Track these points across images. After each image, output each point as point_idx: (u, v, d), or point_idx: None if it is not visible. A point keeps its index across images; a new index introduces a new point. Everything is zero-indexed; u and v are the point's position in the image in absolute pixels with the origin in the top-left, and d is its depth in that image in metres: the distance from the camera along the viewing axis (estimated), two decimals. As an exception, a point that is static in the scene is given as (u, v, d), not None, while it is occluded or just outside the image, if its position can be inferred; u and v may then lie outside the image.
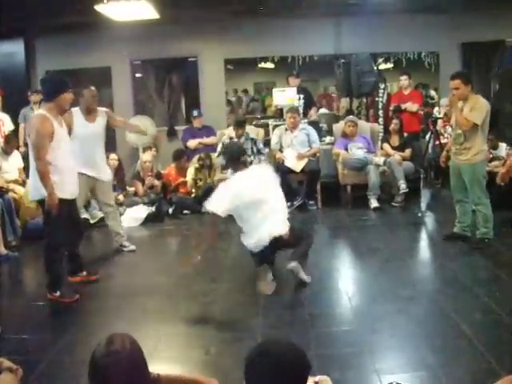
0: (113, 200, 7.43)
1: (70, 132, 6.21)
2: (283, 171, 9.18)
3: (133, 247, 7.35)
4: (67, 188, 5.61)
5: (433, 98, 13.61)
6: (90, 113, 6.78)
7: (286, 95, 10.43)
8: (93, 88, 6.84)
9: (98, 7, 8.65)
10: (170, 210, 9.20)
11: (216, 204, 5.57)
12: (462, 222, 7.07)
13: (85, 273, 6.22)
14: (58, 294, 5.60)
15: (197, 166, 9.70)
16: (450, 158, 7.02)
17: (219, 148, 9.65)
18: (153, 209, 8.95)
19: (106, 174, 7.08)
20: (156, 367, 2.50)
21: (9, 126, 9.55)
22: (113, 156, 9.18)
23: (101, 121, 6.89)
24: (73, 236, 5.99)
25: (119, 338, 2.29)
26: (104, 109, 7.03)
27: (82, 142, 6.59)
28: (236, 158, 6.05)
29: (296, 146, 9.44)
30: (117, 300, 5.68)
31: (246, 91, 19.19)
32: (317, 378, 2.77)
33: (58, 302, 5.56)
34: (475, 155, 6.62)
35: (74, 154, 5.85)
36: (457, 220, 7.12)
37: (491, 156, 8.98)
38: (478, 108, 6.50)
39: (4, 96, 9.72)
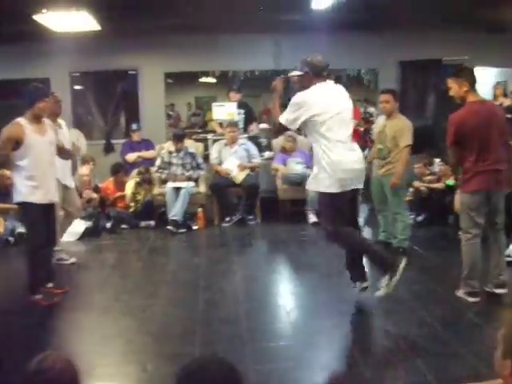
0: None
1: None
2: (223, 185, 9.20)
3: (73, 259, 7.25)
4: (39, 192, 5.71)
5: (372, 115, 13.80)
6: (54, 119, 6.74)
7: (225, 110, 10.43)
8: (56, 94, 6.93)
9: (37, 17, 8.50)
10: (108, 225, 9.05)
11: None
12: (386, 230, 7.45)
13: (51, 285, 6.04)
14: (38, 296, 5.70)
15: (137, 179, 9.61)
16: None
17: (158, 162, 9.57)
18: (90, 223, 8.79)
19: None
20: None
21: None
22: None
23: (51, 133, 6.84)
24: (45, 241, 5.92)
25: (52, 356, 2.23)
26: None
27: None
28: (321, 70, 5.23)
29: (235, 161, 9.44)
30: (51, 316, 5.55)
31: (189, 104, 19.18)
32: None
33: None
34: (395, 168, 6.99)
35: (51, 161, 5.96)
36: (381, 229, 7.52)
37: (427, 172, 9.18)
38: (406, 130, 6.95)
39: None
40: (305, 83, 5.22)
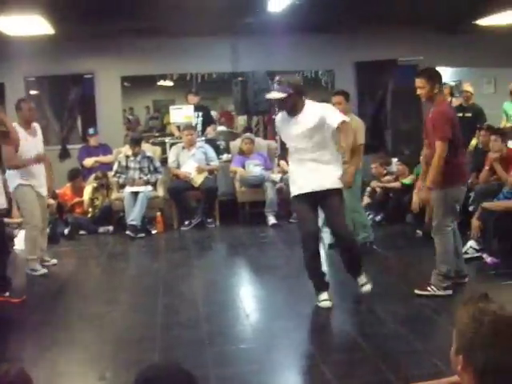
0: None
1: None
2: (181, 189, 9.17)
3: (44, 270, 7.02)
4: None
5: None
6: (29, 126, 6.74)
7: (182, 113, 10.39)
8: (29, 101, 7.04)
9: (-10, 21, 8.39)
10: (66, 231, 8.94)
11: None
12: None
13: (7, 293, 5.97)
14: None
15: (95, 184, 9.52)
16: None
17: (115, 167, 9.50)
18: (48, 230, 8.67)
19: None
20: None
21: None
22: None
23: (39, 133, 7.02)
24: None
25: (4, 367, 2.18)
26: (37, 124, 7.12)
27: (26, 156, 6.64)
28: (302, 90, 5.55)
29: (193, 163, 9.41)
30: (3, 325, 5.46)
31: (147, 107, 19.08)
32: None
33: None
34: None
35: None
36: None
37: (385, 172, 9.26)
38: (360, 129, 7.05)
39: None
40: (290, 104, 5.35)
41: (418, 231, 7.93)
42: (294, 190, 5.48)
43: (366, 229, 7.33)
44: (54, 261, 7.32)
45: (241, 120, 12.75)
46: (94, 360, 4.57)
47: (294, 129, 5.40)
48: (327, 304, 5.34)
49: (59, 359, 4.60)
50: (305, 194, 5.37)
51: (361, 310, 5.37)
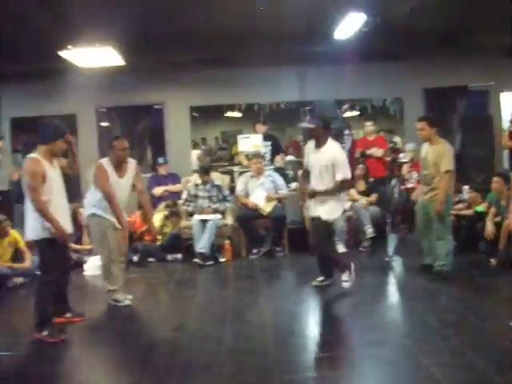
0: None
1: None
2: (250, 217, 9.15)
3: (128, 301, 6.89)
4: (63, 224, 5.70)
5: (397, 145, 13.71)
6: (119, 166, 6.73)
7: (251, 142, 10.42)
8: (123, 140, 6.83)
9: (63, 53, 8.60)
10: (135, 258, 9.04)
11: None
12: (430, 254, 7.42)
13: (69, 314, 6.15)
14: (45, 333, 5.58)
15: (165, 212, 9.61)
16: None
17: (185, 195, 9.58)
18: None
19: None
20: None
21: None
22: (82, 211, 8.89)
23: (130, 174, 6.87)
24: (60, 273, 5.93)
25: None
26: (133, 161, 7.01)
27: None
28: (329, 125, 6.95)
29: (262, 192, 9.40)
30: (80, 349, 5.52)
31: (216, 138, 19.27)
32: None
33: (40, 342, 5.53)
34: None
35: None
36: (427, 253, 7.52)
37: (456, 199, 9.05)
38: (446, 155, 7.03)
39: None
40: (316, 135, 6.73)
41: (491, 260, 7.71)
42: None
43: (447, 257, 7.16)
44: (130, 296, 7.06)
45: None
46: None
47: (316, 159, 6.74)
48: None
49: (126, 380, 4.62)
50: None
51: (433, 339, 5.19)
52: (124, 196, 6.81)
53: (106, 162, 6.71)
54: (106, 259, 6.86)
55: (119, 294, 6.85)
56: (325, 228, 6.89)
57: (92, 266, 8.54)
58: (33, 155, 5.65)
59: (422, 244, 7.58)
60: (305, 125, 6.97)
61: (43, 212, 5.52)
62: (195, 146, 15.00)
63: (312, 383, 4.51)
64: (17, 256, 8.24)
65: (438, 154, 7.02)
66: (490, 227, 7.92)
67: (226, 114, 17.32)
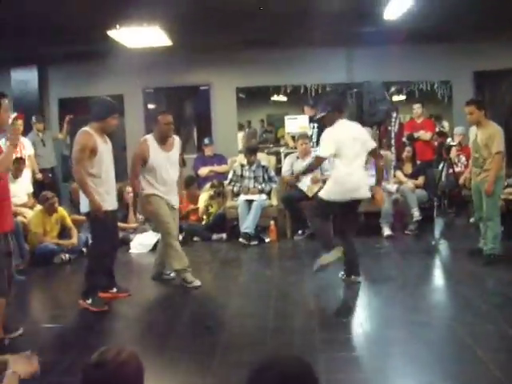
0: None
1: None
2: (295, 198, 9.11)
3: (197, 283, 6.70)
4: (110, 199, 5.90)
5: (445, 129, 13.52)
6: (164, 141, 6.68)
7: (297, 123, 10.38)
8: (167, 115, 6.78)
9: (111, 33, 8.66)
10: (180, 237, 9.05)
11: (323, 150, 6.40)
12: (486, 238, 7.26)
13: (115, 290, 6.26)
14: (89, 301, 5.78)
15: (211, 192, 9.64)
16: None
17: (230, 175, 9.59)
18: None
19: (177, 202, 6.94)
20: None
21: (29, 150, 9.87)
22: (129, 189, 8.96)
23: (176, 150, 6.83)
24: (110, 247, 6.06)
25: (116, 349, 2.18)
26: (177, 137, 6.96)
27: (160, 170, 6.60)
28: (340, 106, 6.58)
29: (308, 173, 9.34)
30: (125, 322, 5.59)
31: (262, 121, 19.25)
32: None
33: (87, 311, 5.74)
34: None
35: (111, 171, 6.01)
36: (481, 236, 7.37)
37: (506, 184, 8.88)
38: (497, 136, 6.96)
39: (25, 120, 9.59)
40: (328, 121, 6.44)
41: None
42: None
43: (495, 240, 7.05)
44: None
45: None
46: (205, 359, 4.55)
47: None
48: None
49: (172, 355, 4.65)
50: None
51: (481, 322, 5.12)
52: (173, 171, 6.72)
53: (150, 137, 6.68)
54: (167, 236, 6.68)
55: (189, 273, 6.68)
56: (319, 205, 6.58)
57: (138, 244, 8.63)
58: (85, 128, 5.76)
59: (480, 226, 7.44)
60: (316, 117, 6.72)
61: (82, 184, 5.65)
62: (241, 128, 14.98)
63: (355, 362, 4.48)
64: (64, 233, 8.37)
65: (489, 135, 6.94)
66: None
67: (271, 98, 17.24)
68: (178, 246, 6.67)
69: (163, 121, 6.64)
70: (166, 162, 6.62)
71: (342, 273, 6.58)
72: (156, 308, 6.21)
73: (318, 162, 6.79)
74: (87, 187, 5.65)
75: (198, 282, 6.62)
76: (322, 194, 6.48)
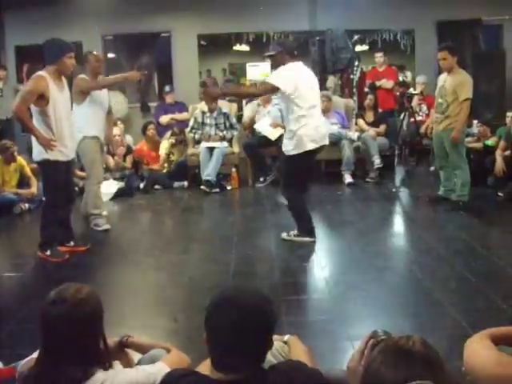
0: None
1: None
2: (256, 144, 9.06)
3: (106, 226, 6.86)
4: (63, 150, 5.60)
5: (407, 78, 13.52)
6: (96, 78, 6.60)
7: (259, 70, 10.30)
8: (96, 53, 6.73)
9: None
10: (141, 185, 9.01)
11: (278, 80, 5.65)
12: (446, 186, 7.46)
13: (72, 243, 6.05)
14: (48, 253, 5.68)
15: (172, 140, 9.55)
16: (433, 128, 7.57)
17: (191, 122, 9.49)
18: (123, 184, 8.75)
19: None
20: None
21: None
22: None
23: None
24: (65, 199, 5.86)
25: (74, 287, 2.15)
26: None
27: (95, 107, 6.60)
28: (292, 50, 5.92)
29: (268, 120, 9.28)
30: (86, 271, 5.52)
31: (224, 70, 19.09)
32: (285, 338, 2.67)
33: (44, 261, 5.64)
34: (455, 123, 6.98)
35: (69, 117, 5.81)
36: (441, 184, 7.53)
37: (466, 133, 8.96)
38: (466, 83, 6.95)
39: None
40: (277, 62, 5.82)
41: (499, 194, 7.67)
42: None
43: (464, 188, 7.11)
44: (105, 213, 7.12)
45: (330, 82, 12.26)
46: (167, 304, 4.58)
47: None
48: None
49: (133, 301, 4.65)
50: None
51: (440, 266, 5.19)
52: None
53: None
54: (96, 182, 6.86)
55: (101, 218, 6.85)
56: (291, 168, 6.04)
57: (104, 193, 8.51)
58: (40, 72, 5.46)
59: (441, 174, 7.59)
60: (266, 53, 6.02)
61: (24, 120, 5.35)
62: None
63: (317, 304, 4.54)
64: (23, 182, 8.22)
65: (460, 82, 6.94)
66: (499, 162, 7.88)
67: (234, 48, 17.07)
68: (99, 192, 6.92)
69: (93, 58, 6.60)
70: (98, 98, 6.69)
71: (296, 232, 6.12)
72: (115, 256, 6.06)
73: (265, 89, 5.93)
74: (30, 123, 5.35)
75: (107, 225, 6.82)
76: (297, 149, 5.74)
